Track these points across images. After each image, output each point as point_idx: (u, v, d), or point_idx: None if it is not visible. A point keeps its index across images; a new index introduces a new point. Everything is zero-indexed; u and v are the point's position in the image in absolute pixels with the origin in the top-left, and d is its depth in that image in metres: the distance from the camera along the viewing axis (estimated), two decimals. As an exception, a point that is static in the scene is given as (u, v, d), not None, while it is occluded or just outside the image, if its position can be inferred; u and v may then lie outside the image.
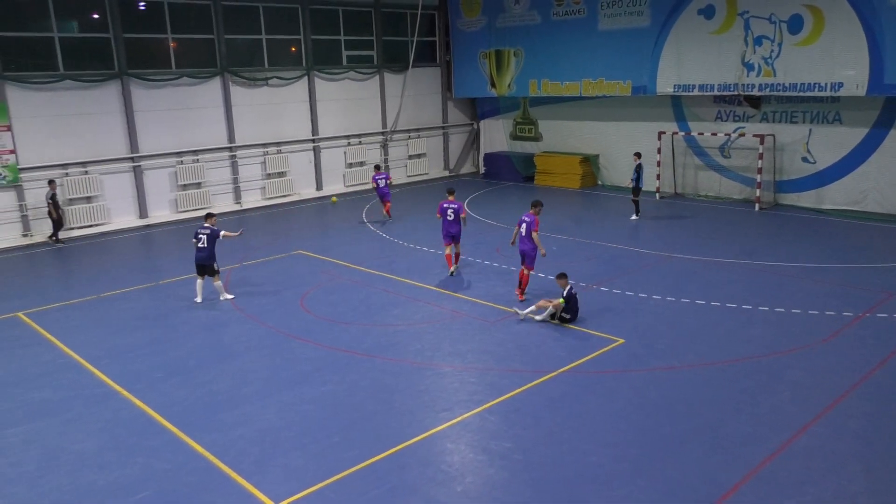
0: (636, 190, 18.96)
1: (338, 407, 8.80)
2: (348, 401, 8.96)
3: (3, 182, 18.22)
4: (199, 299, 13.03)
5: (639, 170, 18.68)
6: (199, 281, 13.05)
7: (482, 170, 28.45)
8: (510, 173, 26.81)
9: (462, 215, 13.96)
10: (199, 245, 12.76)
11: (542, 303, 11.55)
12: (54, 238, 18.56)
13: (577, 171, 24.66)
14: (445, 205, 14.00)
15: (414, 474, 7.24)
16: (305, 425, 8.36)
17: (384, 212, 20.23)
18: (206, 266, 12.90)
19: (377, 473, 7.26)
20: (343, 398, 9.04)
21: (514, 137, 27.89)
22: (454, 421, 8.32)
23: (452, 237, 14.10)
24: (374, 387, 9.34)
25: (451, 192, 14.47)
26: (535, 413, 8.48)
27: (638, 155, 19.13)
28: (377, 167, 21.22)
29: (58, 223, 18.55)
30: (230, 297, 13.22)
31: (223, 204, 22.32)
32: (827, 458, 7.33)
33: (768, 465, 7.22)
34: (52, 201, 18.27)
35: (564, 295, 11.28)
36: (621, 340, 10.62)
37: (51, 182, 18.56)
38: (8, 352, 11.02)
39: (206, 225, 12.99)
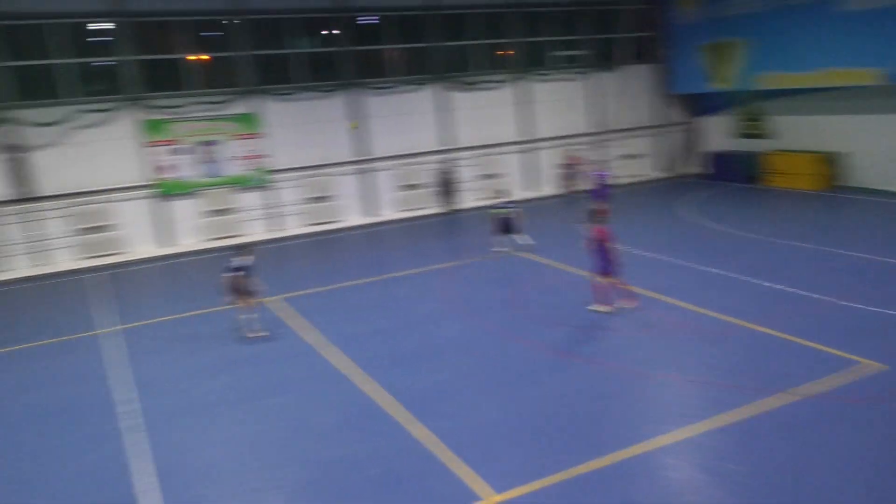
0: None
1: (557, 408, 8.77)
2: (566, 403, 8.89)
3: (258, 183, 20.70)
4: None
5: None
6: None
7: (704, 170, 26.75)
8: (735, 174, 24.82)
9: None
10: None
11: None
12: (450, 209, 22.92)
13: (815, 171, 22.25)
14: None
15: (636, 487, 6.95)
16: (524, 423, 8.43)
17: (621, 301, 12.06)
18: None
19: (599, 480, 7.10)
20: (561, 400, 8.98)
21: (740, 135, 25.87)
22: (675, 434, 7.87)
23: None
24: (592, 392, 9.17)
25: None
26: (767, 436, 7.71)
27: None
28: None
29: (450, 199, 22.97)
30: None
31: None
32: None
33: None
34: (449, 180, 22.75)
35: None
36: (882, 366, 9.19)
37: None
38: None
39: None
